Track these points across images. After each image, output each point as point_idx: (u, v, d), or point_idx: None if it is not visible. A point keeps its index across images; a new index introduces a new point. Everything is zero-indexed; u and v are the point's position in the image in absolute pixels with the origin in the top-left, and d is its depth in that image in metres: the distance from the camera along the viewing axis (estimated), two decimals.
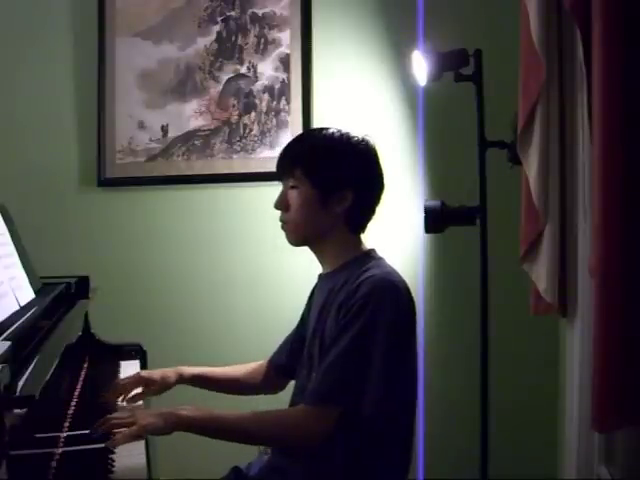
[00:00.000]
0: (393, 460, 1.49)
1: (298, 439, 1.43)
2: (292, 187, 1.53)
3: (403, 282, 1.48)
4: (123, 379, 1.71)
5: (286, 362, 1.72)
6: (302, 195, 1.52)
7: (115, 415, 1.40)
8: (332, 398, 1.40)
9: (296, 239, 1.57)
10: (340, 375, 1.40)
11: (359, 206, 1.53)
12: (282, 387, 1.78)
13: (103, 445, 1.29)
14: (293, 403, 1.58)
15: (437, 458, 2.40)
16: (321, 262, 1.60)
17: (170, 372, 1.71)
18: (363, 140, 1.56)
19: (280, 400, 1.68)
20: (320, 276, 1.64)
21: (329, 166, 1.52)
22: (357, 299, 1.41)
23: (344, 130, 1.56)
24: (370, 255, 1.55)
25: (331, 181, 1.51)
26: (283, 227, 1.57)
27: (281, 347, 1.76)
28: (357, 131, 1.57)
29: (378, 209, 1.58)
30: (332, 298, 1.50)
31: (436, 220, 2.00)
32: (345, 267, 1.53)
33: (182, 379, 1.72)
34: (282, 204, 1.55)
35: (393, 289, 1.44)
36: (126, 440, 1.31)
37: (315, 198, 1.51)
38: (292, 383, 1.67)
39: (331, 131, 1.57)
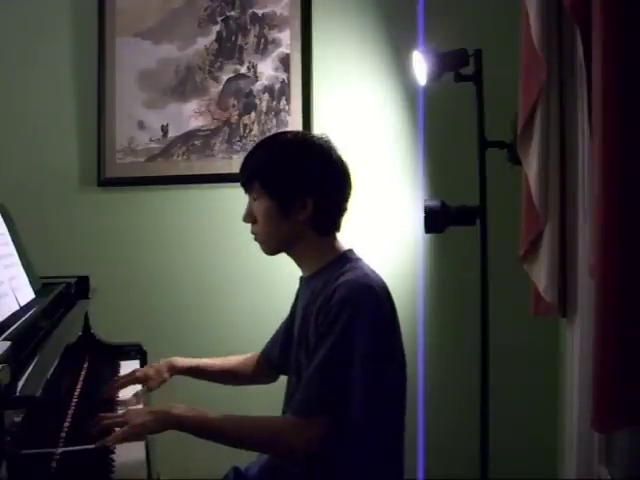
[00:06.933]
0: (388, 457, 1.50)
1: (281, 449, 1.43)
2: (255, 199, 1.54)
3: (379, 282, 1.48)
4: (120, 377, 1.72)
5: (276, 357, 1.74)
6: (263, 207, 1.52)
7: (108, 415, 1.42)
8: (316, 407, 1.39)
9: (269, 249, 1.58)
10: (323, 383, 1.39)
11: (323, 210, 1.51)
12: (275, 379, 1.80)
13: (94, 446, 1.30)
14: (284, 411, 1.59)
15: (437, 458, 2.39)
16: (300, 267, 1.60)
17: (163, 366, 1.74)
18: (319, 140, 1.54)
19: (274, 391, 1.68)
20: (301, 279, 1.64)
21: (285, 177, 1.51)
22: (333, 305, 1.41)
23: (299, 134, 1.56)
24: (347, 256, 1.54)
25: (289, 191, 1.50)
26: (255, 239, 1.58)
27: (272, 341, 1.77)
28: (314, 131, 1.56)
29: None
30: (312, 306, 1.50)
31: (436, 220, 2.00)
32: (322, 271, 1.53)
33: (175, 370, 1.75)
34: (249, 217, 1.57)
35: (369, 291, 1.43)
36: (117, 440, 1.32)
37: (276, 209, 1.51)
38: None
39: (285, 138, 1.58)
